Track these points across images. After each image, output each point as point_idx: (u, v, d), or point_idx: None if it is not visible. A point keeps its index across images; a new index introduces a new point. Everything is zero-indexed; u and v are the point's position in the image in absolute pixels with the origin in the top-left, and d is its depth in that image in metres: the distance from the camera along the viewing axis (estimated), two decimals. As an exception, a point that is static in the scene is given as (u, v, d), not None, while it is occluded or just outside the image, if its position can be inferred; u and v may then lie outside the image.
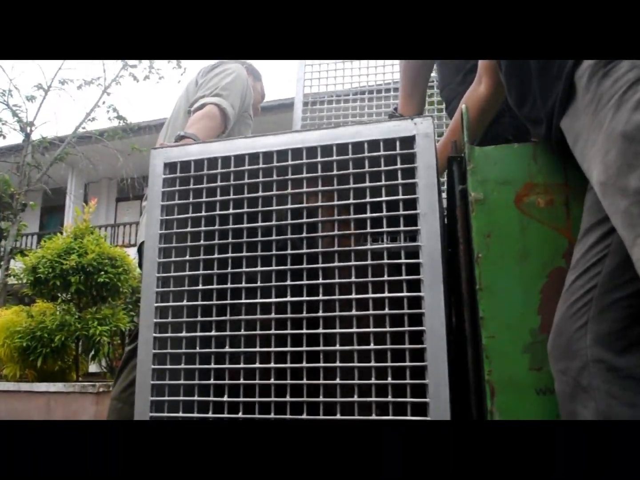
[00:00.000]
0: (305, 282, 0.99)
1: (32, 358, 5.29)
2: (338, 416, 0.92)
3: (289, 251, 1.02)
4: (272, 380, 0.97)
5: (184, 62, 9.44)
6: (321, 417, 0.92)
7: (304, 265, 1.00)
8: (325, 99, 2.32)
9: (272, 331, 0.99)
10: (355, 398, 0.92)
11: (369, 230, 0.98)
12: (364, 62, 2.31)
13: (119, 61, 9.38)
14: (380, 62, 2.31)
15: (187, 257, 1.07)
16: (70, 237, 5.60)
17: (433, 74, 1.84)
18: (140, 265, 1.59)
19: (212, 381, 1.00)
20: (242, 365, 0.99)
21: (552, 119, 0.91)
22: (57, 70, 10.98)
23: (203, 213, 1.08)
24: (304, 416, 0.93)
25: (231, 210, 1.06)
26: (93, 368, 7.24)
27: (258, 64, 2.08)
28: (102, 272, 5.32)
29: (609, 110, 0.77)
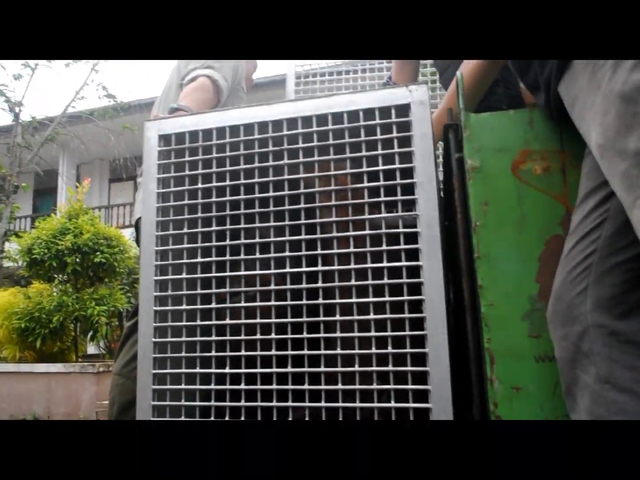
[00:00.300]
0: (303, 252, 0.99)
1: (31, 339, 5.31)
2: (339, 386, 0.93)
3: (286, 222, 1.01)
4: (273, 352, 0.98)
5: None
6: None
7: (302, 236, 1.00)
8: (318, 73, 2.30)
9: (272, 302, 0.99)
10: (357, 367, 0.93)
11: (366, 200, 0.98)
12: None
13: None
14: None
15: (185, 230, 1.07)
16: (64, 217, 5.57)
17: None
18: (137, 241, 1.59)
19: (213, 353, 1.01)
20: (242, 337, 1.00)
21: (550, 85, 0.90)
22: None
23: (199, 185, 1.08)
24: (305, 386, 0.94)
25: (227, 182, 1.06)
26: (91, 349, 7.27)
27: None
28: (98, 252, 5.32)
29: (606, 71, 0.76)
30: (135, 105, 9.94)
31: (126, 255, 5.84)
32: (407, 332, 0.91)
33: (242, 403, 0.98)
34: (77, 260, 5.26)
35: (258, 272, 1.01)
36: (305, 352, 0.96)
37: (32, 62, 9.17)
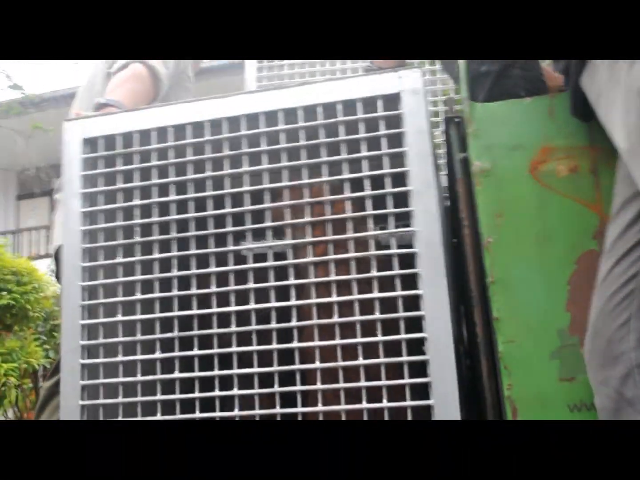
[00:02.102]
0: (272, 283, 1.01)
1: None
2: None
3: (249, 245, 1.03)
4: (236, 412, 0.99)
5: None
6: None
7: (270, 263, 1.02)
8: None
9: (234, 348, 1.00)
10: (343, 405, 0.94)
11: (349, 214, 1.00)
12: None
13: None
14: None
15: (120, 259, 1.08)
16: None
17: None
18: (57, 275, 1.59)
19: (158, 417, 1.02)
20: (197, 395, 1.00)
21: (570, 78, 0.94)
22: None
23: (136, 202, 1.09)
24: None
25: (173, 197, 1.07)
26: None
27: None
28: (5, 292, 5.24)
29: (623, 63, 0.80)
30: (50, 98, 9.90)
31: (42, 295, 5.76)
32: (407, 380, 0.93)
33: None
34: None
35: (215, 310, 1.02)
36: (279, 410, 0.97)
37: None
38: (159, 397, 1.02)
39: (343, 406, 0.95)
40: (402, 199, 0.98)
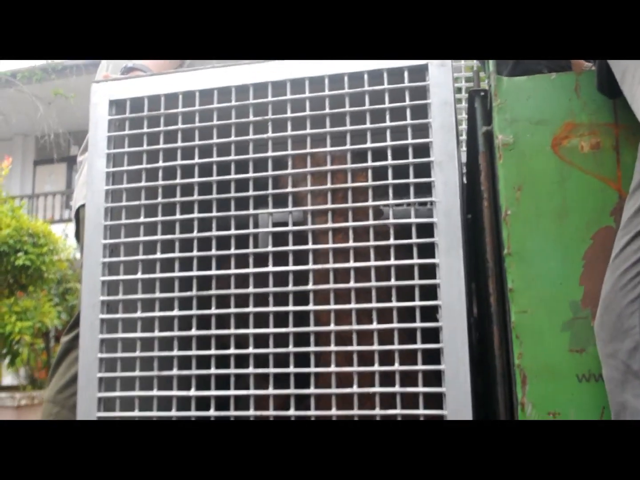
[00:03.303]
0: (290, 247, 1.01)
1: None
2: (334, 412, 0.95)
3: (270, 209, 1.03)
4: (251, 370, 0.99)
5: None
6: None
7: (289, 227, 1.02)
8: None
9: (250, 309, 1.01)
10: (354, 388, 0.95)
11: (370, 183, 1.00)
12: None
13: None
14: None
15: (142, 219, 1.08)
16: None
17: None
18: (77, 235, 1.59)
19: (175, 372, 1.02)
20: (213, 352, 1.01)
21: None
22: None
23: (161, 163, 1.09)
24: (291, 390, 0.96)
25: (197, 160, 1.07)
26: (8, 380, 7.18)
27: None
28: (21, 253, 5.27)
29: None
30: (71, 65, 9.86)
31: (56, 258, 5.80)
32: (419, 345, 0.93)
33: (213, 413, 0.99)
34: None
35: (233, 271, 1.03)
36: (292, 369, 0.98)
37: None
38: (175, 352, 1.03)
39: (355, 368, 0.96)
40: (423, 170, 0.98)
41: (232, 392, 1.00)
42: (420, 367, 0.93)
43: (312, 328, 0.99)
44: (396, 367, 0.94)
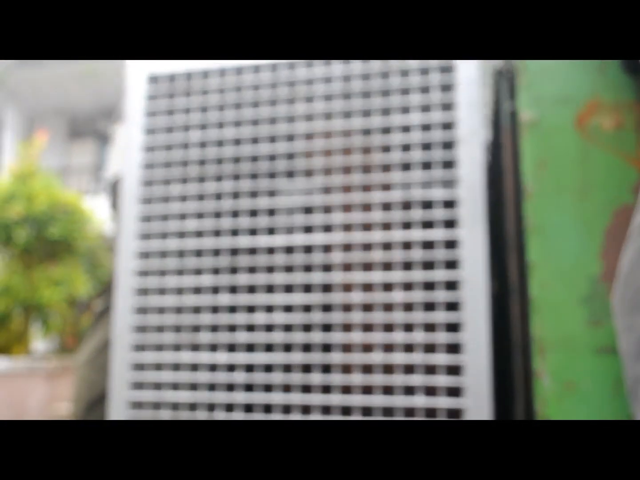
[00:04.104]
0: (319, 220, 1.03)
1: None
2: (354, 377, 0.97)
3: (298, 184, 1.05)
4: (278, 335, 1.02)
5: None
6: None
7: (317, 198, 1.04)
8: None
9: (279, 276, 1.03)
10: (378, 354, 0.97)
11: (396, 161, 1.01)
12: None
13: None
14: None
15: (175, 191, 1.11)
16: (15, 179, 5.58)
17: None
18: (114, 205, 1.63)
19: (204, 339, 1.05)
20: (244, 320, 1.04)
21: None
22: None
23: (198, 136, 1.11)
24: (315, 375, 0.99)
25: (230, 135, 1.09)
26: (38, 347, 7.29)
27: None
28: (54, 227, 5.34)
29: None
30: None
31: (85, 230, 5.84)
32: (440, 317, 0.95)
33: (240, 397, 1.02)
34: (30, 232, 5.28)
35: (263, 245, 1.05)
36: (315, 324, 1.00)
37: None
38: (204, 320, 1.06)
39: (379, 333, 0.98)
40: (446, 145, 0.99)
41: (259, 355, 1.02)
42: (440, 334, 0.96)
43: (337, 296, 1.01)
44: (417, 333, 0.97)
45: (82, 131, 11.40)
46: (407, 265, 0.99)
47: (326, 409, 0.99)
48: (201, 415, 1.03)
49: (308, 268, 1.03)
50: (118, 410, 1.08)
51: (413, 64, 1.02)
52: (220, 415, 1.02)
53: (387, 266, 1.00)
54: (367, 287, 1.00)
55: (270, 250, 1.05)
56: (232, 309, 1.06)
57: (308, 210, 1.04)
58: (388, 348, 0.98)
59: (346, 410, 0.98)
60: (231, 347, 1.05)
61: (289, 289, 1.03)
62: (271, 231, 1.05)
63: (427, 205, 0.99)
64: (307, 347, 1.01)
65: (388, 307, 0.99)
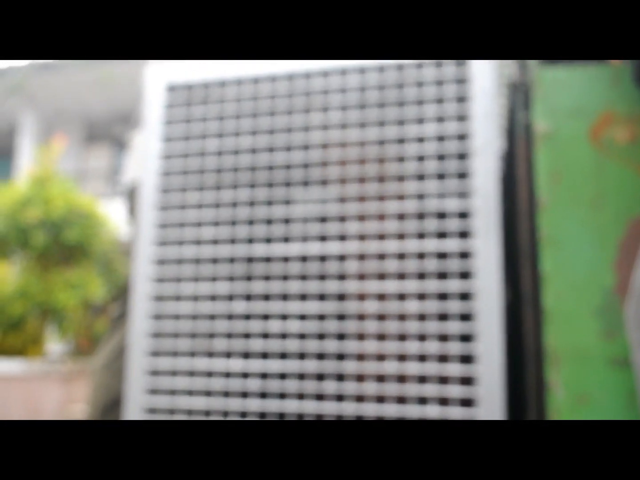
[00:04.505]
0: (334, 221, 1.03)
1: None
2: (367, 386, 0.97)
3: (315, 193, 1.05)
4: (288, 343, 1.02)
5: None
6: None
7: (332, 203, 1.04)
8: None
9: (294, 284, 1.03)
10: (391, 364, 0.97)
11: (410, 172, 1.01)
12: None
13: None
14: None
15: (192, 199, 1.11)
16: (33, 184, 5.61)
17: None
18: (131, 211, 1.63)
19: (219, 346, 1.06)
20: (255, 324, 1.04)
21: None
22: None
23: (215, 146, 1.12)
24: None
25: (246, 144, 1.10)
26: (53, 350, 7.30)
27: None
28: (72, 228, 5.37)
29: None
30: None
31: (100, 234, 5.87)
32: (453, 328, 0.95)
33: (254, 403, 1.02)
34: (48, 237, 5.31)
35: (278, 254, 1.05)
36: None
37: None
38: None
39: (392, 343, 0.98)
40: (463, 158, 0.99)
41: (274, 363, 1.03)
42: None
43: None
44: (430, 347, 0.96)
45: (98, 136, 11.47)
46: (421, 276, 0.99)
47: (339, 418, 0.99)
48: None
49: (322, 277, 1.03)
50: (133, 415, 1.09)
51: (428, 75, 1.02)
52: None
53: (401, 276, 1.00)
54: (381, 297, 1.00)
55: (285, 259, 1.05)
56: (247, 317, 1.06)
57: (323, 219, 1.04)
58: (401, 358, 0.98)
59: (359, 419, 0.98)
60: (246, 355, 1.05)
61: (303, 297, 1.03)
62: (286, 240, 1.06)
63: (442, 215, 0.99)
64: (321, 356, 1.01)
65: (402, 317, 0.99)
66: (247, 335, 1.05)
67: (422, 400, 0.96)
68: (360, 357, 1.00)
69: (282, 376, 1.03)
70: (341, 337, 1.01)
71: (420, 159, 1.02)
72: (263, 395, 1.03)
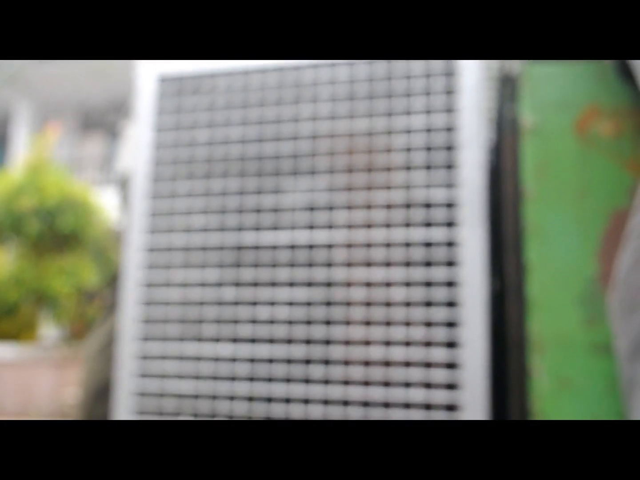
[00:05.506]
0: (322, 211, 1.03)
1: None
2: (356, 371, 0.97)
3: (303, 183, 1.05)
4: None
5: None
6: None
7: (320, 192, 1.03)
8: None
9: (283, 272, 1.03)
10: (376, 349, 0.97)
11: (397, 163, 1.01)
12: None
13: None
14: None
15: (181, 188, 1.11)
16: (28, 171, 5.57)
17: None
18: (125, 199, 1.62)
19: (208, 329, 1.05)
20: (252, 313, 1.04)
21: None
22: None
23: (204, 135, 1.11)
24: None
25: (236, 134, 1.09)
26: (46, 336, 7.28)
27: None
28: (66, 216, 5.34)
29: None
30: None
31: (94, 222, 5.84)
32: (438, 316, 0.95)
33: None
34: (39, 224, 5.28)
35: (267, 243, 1.05)
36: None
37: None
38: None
39: (379, 329, 0.98)
40: (449, 150, 0.99)
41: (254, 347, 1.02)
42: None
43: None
44: (413, 334, 0.97)
45: (93, 124, 11.40)
46: (408, 264, 0.99)
47: (326, 402, 0.99)
48: (204, 405, 1.04)
49: (310, 265, 1.03)
50: (124, 399, 1.08)
51: (417, 68, 1.02)
52: (222, 406, 1.02)
53: (388, 264, 1.00)
54: (368, 284, 1.00)
55: (274, 247, 1.05)
56: (236, 303, 1.06)
57: (311, 209, 1.04)
58: (387, 343, 0.98)
59: (345, 403, 0.98)
60: (234, 340, 1.05)
61: (291, 284, 1.03)
62: (275, 228, 1.05)
63: (428, 205, 0.99)
64: (308, 342, 1.01)
65: (388, 304, 0.99)
66: (235, 322, 1.05)
67: (407, 385, 0.97)
68: (347, 343, 1.00)
69: (270, 361, 1.03)
70: (328, 323, 1.01)
71: (408, 150, 1.02)
72: (251, 379, 1.03)
